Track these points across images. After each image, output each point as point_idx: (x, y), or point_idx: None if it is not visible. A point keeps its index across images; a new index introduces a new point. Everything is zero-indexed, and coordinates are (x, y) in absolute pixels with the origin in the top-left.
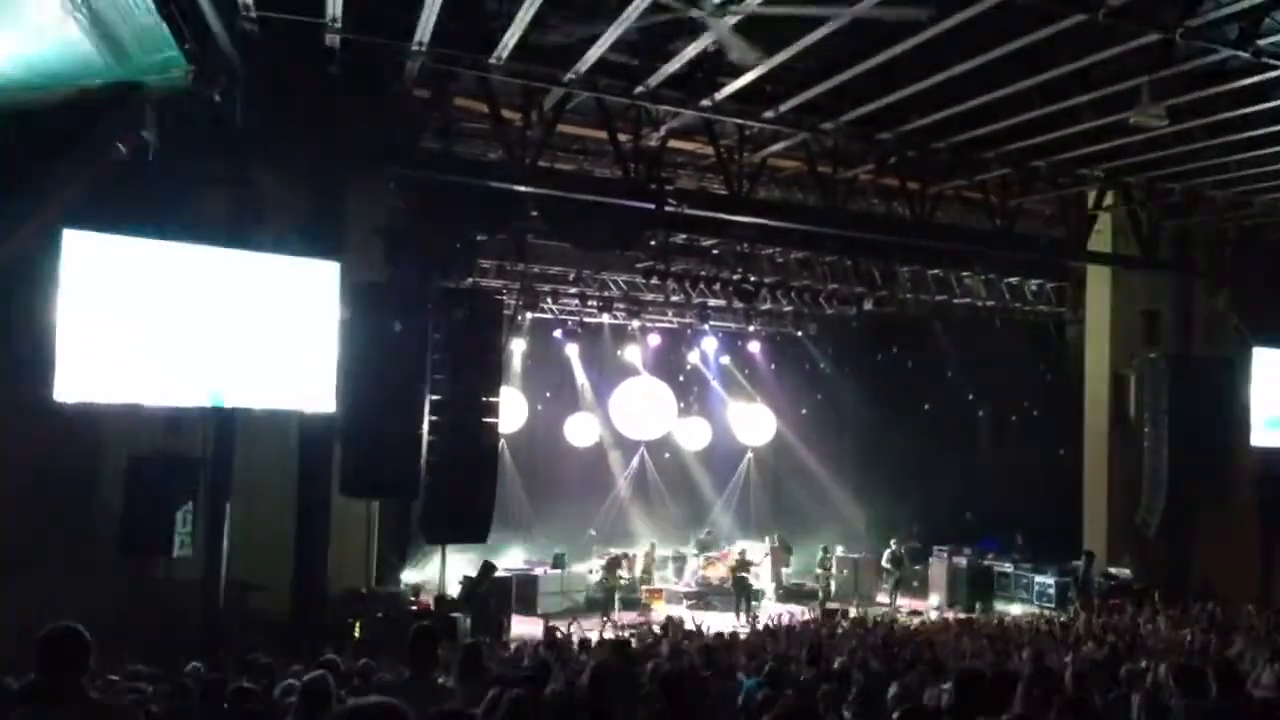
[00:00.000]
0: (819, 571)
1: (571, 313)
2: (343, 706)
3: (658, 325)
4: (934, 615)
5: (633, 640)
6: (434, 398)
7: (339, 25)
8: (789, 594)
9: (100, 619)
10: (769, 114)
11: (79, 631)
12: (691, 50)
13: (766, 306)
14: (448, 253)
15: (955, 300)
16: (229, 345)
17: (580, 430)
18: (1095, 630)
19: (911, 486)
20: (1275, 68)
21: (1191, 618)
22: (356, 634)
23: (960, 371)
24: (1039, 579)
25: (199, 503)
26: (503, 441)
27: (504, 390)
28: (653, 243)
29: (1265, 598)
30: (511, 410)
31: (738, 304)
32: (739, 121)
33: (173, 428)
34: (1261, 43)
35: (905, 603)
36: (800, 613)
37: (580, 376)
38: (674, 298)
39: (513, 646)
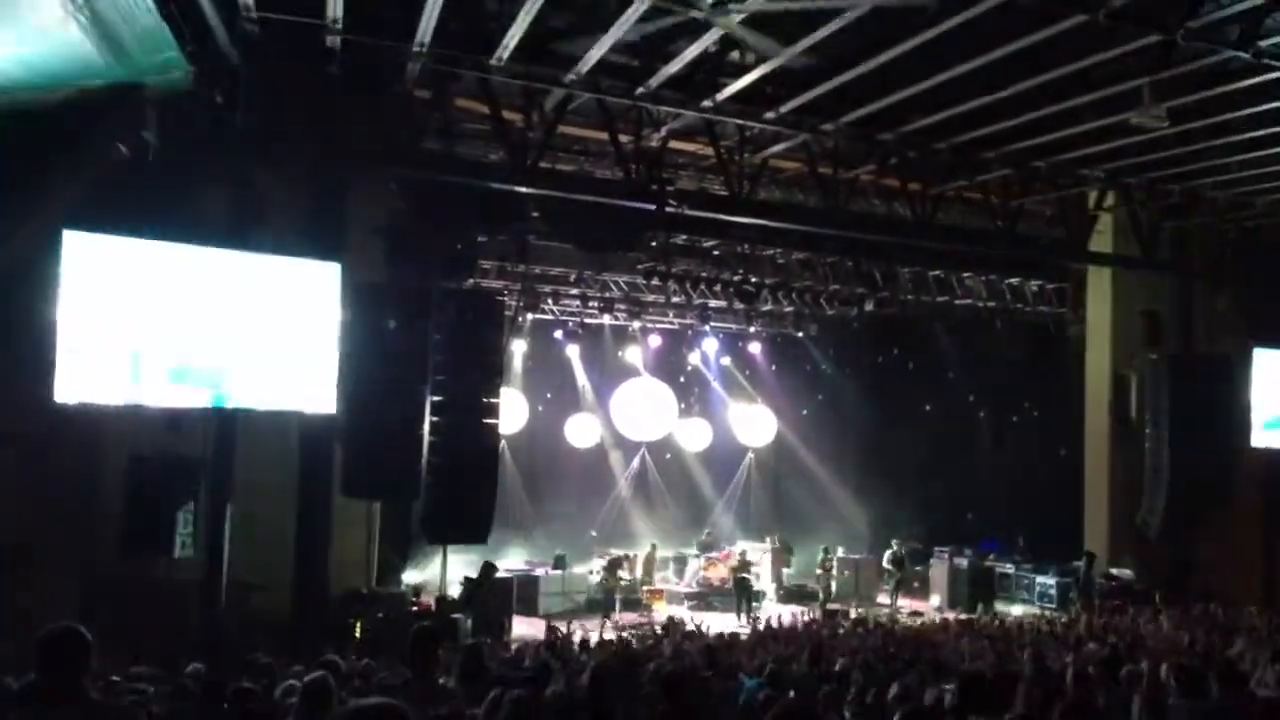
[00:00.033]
0: (820, 572)
1: (572, 313)
2: (344, 707)
3: (658, 326)
4: (935, 616)
5: (633, 641)
6: (435, 398)
7: (340, 26)
8: (790, 595)
9: (101, 619)
10: (770, 115)
11: (79, 631)
12: (692, 51)
13: (767, 307)
14: (449, 253)
15: (956, 301)
16: (230, 346)
17: (581, 431)
18: (1096, 631)
19: (912, 487)
20: (1276, 69)
21: (1193, 618)
22: (357, 634)
23: (961, 372)
24: (1040, 580)
25: (200, 503)
26: (504, 442)
27: (505, 391)
28: (654, 244)
29: (1267, 598)
30: (512, 411)
31: (738, 305)
32: (740, 122)
33: (173, 428)
34: (1262, 44)
35: (906, 604)
36: (801, 613)
37: (581, 377)
38: (675, 299)
39: (514, 647)
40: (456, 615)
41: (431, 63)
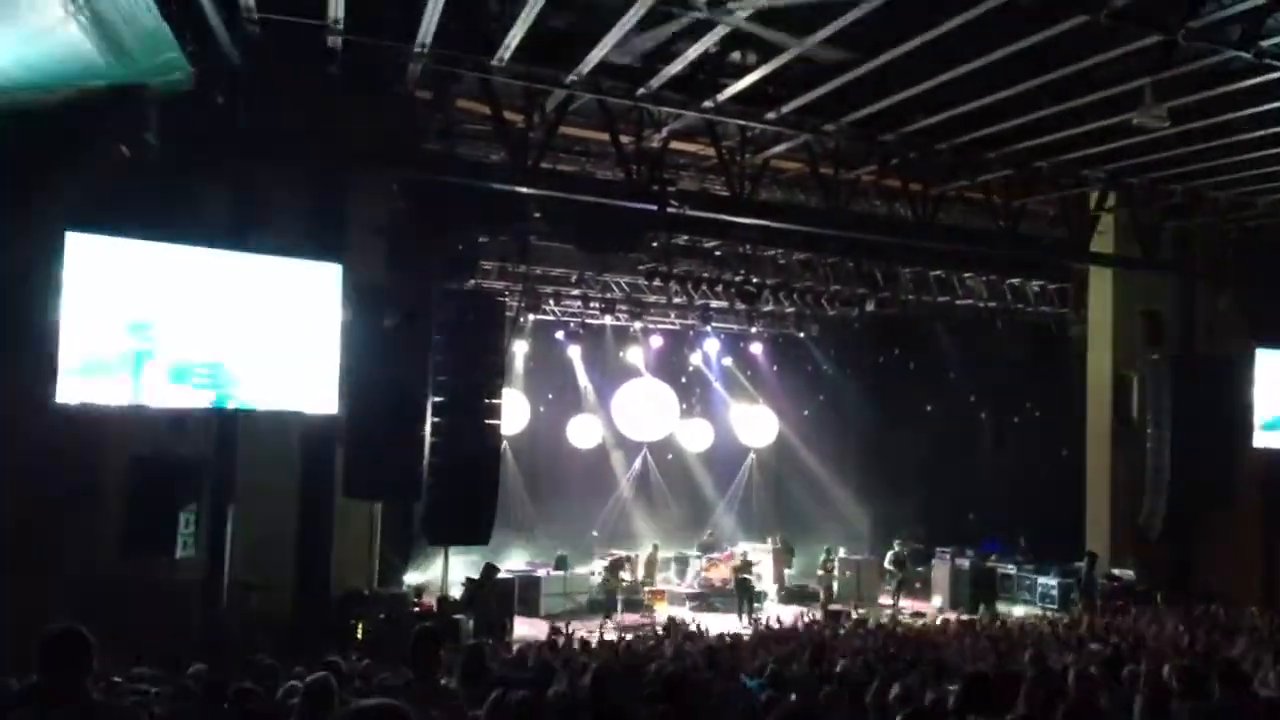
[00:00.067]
0: (821, 573)
1: (574, 314)
2: (347, 708)
3: (660, 327)
4: (937, 617)
5: (635, 643)
6: (436, 399)
7: (341, 26)
8: (791, 595)
9: (102, 620)
10: (771, 115)
11: (81, 632)
12: (694, 52)
13: (768, 308)
14: (450, 254)
15: (957, 301)
16: (231, 346)
17: (582, 432)
18: (1098, 631)
19: (914, 488)
20: (1277, 69)
21: (1194, 619)
22: (359, 635)
23: (962, 372)
24: (1042, 580)
25: (201, 504)
26: (505, 443)
27: (506, 392)
28: (655, 244)
29: (1269, 599)
30: (514, 412)
31: (740, 305)
32: (741, 123)
33: (175, 429)
34: (1263, 44)
35: (908, 604)
36: (802, 614)
37: (582, 378)
38: (676, 299)
39: (515, 648)
40: (458, 616)
41: (432, 63)
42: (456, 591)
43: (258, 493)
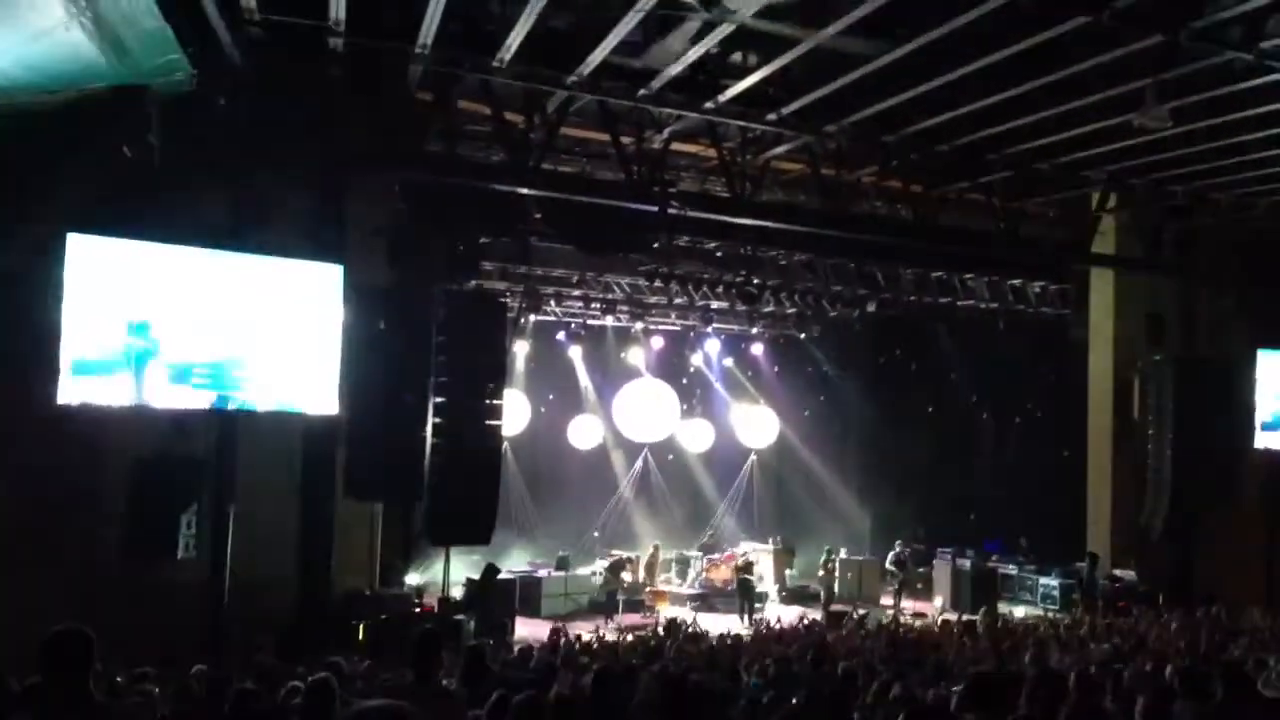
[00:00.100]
0: (822, 573)
1: (575, 315)
2: (349, 709)
3: (661, 327)
4: (938, 617)
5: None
6: (437, 400)
7: (342, 28)
8: (792, 596)
9: (104, 620)
10: (772, 116)
11: (83, 632)
12: (695, 53)
13: (769, 309)
14: (451, 255)
15: (959, 302)
16: (232, 347)
17: (583, 432)
18: (1099, 632)
19: (915, 488)
20: (1278, 70)
21: (1196, 620)
22: (360, 636)
23: (964, 373)
24: (1043, 581)
25: (202, 505)
26: (506, 444)
27: (507, 392)
28: (656, 245)
29: (1270, 599)
30: (515, 412)
31: (740, 306)
32: (742, 124)
33: (177, 430)
34: (1265, 45)
35: (909, 605)
36: (804, 615)
37: (583, 379)
38: (677, 300)
39: (517, 649)
40: (459, 617)
41: (433, 64)
42: (458, 592)
43: (258, 493)
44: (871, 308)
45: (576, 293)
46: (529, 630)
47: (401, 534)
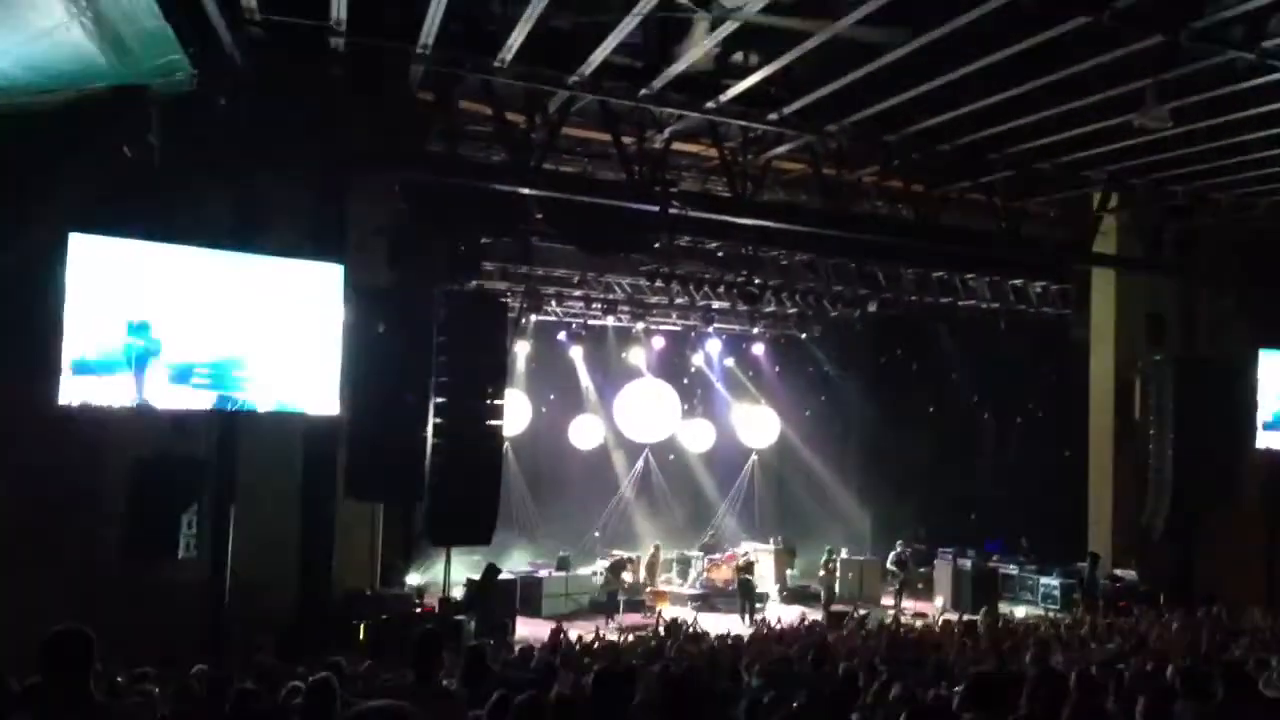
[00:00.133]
0: (823, 573)
1: (576, 315)
2: (351, 710)
3: (662, 327)
4: (939, 618)
5: (631, 643)
6: (438, 400)
7: (343, 28)
8: (793, 596)
9: (104, 620)
10: (773, 116)
11: (84, 632)
12: (695, 53)
13: (770, 309)
14: (452, 255)
15: (960, 302)
16: (233, 347)
17: (584, 432)
18: (1100, 632)
19: (915, 488)
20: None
21: (1197, 620)
22: (361, 636)
23: (964, 373)
24: (1044, 581)
25: (203, 505)
26: (507, 444)
27: (508, 393)
28: (657, 245)
29: (1271, 599)
30: (516, 413)
31: (742, 306)
32: (743, 124)
33: (177, 430)
34: (1266, 44)
35: (910, 605)
36: (804, 615)
37: (584, 379)
38: (678, 300)
39: (517, 649)
40: (460, 617)
41: (435, 65)
42: (458, 592)
43: (259, 493)
44: (872, 308)
45: (577, 293)
46: (530, 630)
47: (402, 534)
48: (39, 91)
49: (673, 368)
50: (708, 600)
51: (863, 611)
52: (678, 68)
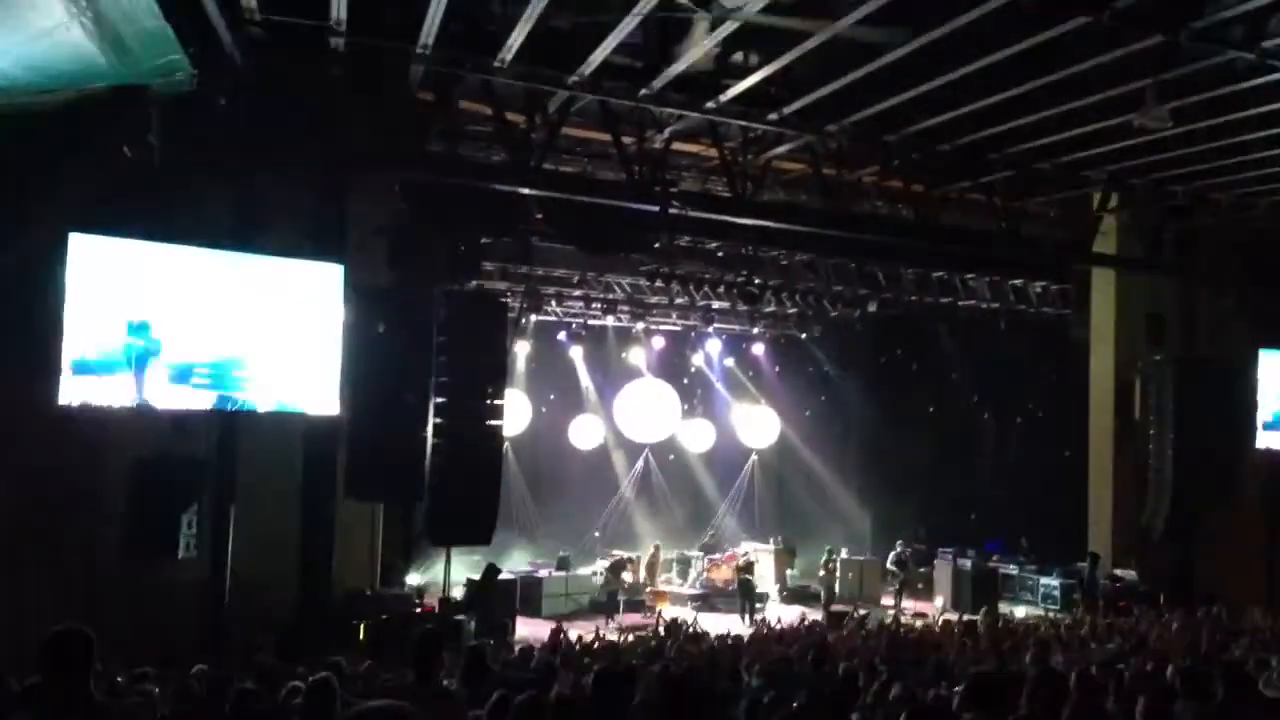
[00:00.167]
0: (823, 573)
1: (575, 315)
2: (351, 710)
3: (662, 327)
4: (939, 618)
5: (631, 643)
6: (438, 400)
7: (343, 28)
8: (793, 596)
9: (104, 620)
10: (773, 116)
11: (84, 632)
12: (696, 53)
13: (770, 309)
14: (452, 255)
15: (960, 302)
16: (233, 347)
17: (584, 432)
18: (1100, 632)
19: (916, 488)
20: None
21: (1197, 620)
22: (361, 636)
23: (964, 373)
24: (1044, 581)
25: (203, 505)
26: (507, 444)
27: (508, 393)
28: (657, 245)
29: (1271, 599)
30: (516, 413)
31: (742, 306)
32: (743, 124)
33: (177, 430)
34: (1266, 44)
35: (910, 605)
36: (804, 615)
37: (584, 379)
38: (678, 300)
39: (517, 649)
40: (460, 617)
41: (435, 65)
42: (458, 592)
43: (259, 493)
44: (872, 308)
45: (577, 293)
46: (530, 630)
47: (402, 534)
48: (39, 91)
49: (673, 368)
50: (708, 600)
51: (863, 611)
52: (678, 68)
